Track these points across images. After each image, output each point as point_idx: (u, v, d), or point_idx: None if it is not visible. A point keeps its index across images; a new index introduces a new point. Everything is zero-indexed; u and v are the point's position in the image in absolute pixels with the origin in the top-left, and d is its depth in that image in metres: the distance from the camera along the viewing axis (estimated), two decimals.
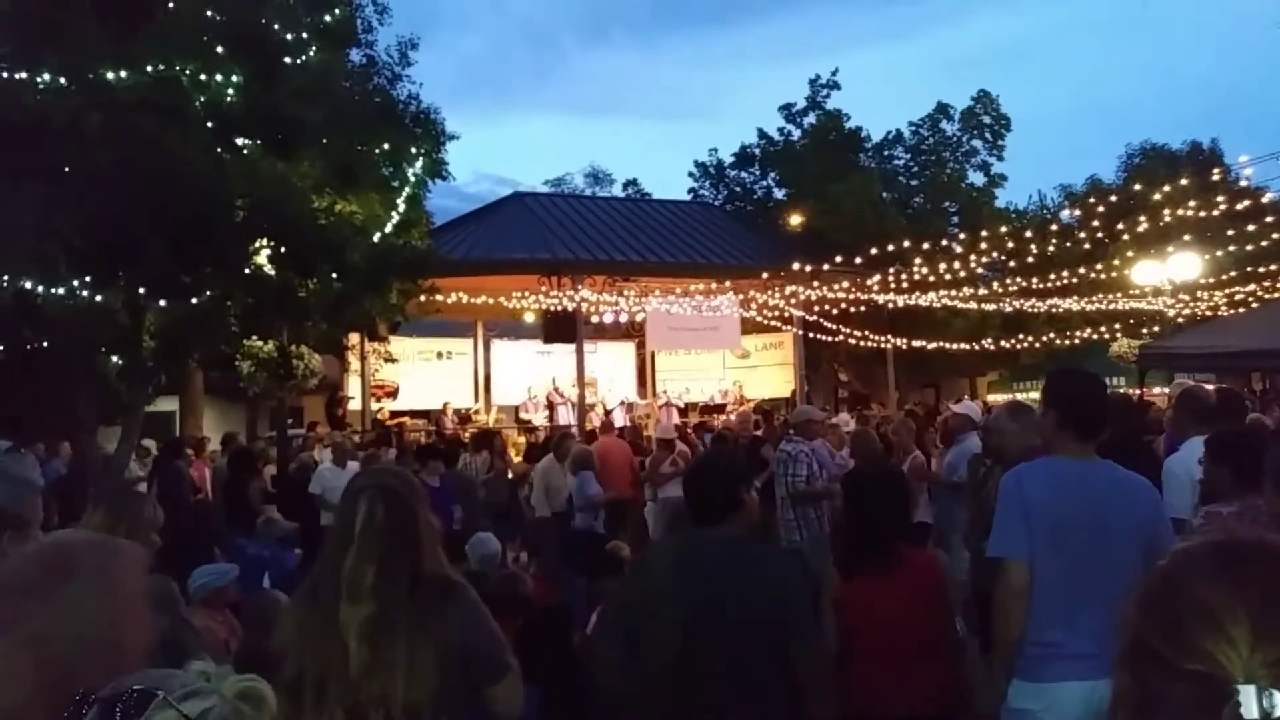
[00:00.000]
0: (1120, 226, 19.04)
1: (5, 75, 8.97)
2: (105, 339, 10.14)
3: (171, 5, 9.61)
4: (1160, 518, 3.21)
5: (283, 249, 10.79)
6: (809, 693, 3.05)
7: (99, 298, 9.61)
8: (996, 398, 24.08)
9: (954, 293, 20.21)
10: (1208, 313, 19.65)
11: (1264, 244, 17.89)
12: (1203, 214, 16.63)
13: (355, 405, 19.30)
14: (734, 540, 3.21)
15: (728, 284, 19.47)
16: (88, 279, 9.42)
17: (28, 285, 9.08)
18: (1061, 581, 3.00)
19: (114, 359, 10.61)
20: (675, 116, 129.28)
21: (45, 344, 10.12)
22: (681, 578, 3.10)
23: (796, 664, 3.04)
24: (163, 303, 10.24)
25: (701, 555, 3.20)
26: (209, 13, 9.86)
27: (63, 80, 8.97)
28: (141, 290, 10.00)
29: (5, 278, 9.09)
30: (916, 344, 22.29)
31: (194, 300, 10.31)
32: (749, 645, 3.00)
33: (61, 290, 9.22)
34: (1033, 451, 3.55)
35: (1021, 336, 23.17)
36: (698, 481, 3.39)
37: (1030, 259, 19.79)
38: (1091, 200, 19.09)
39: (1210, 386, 7.68)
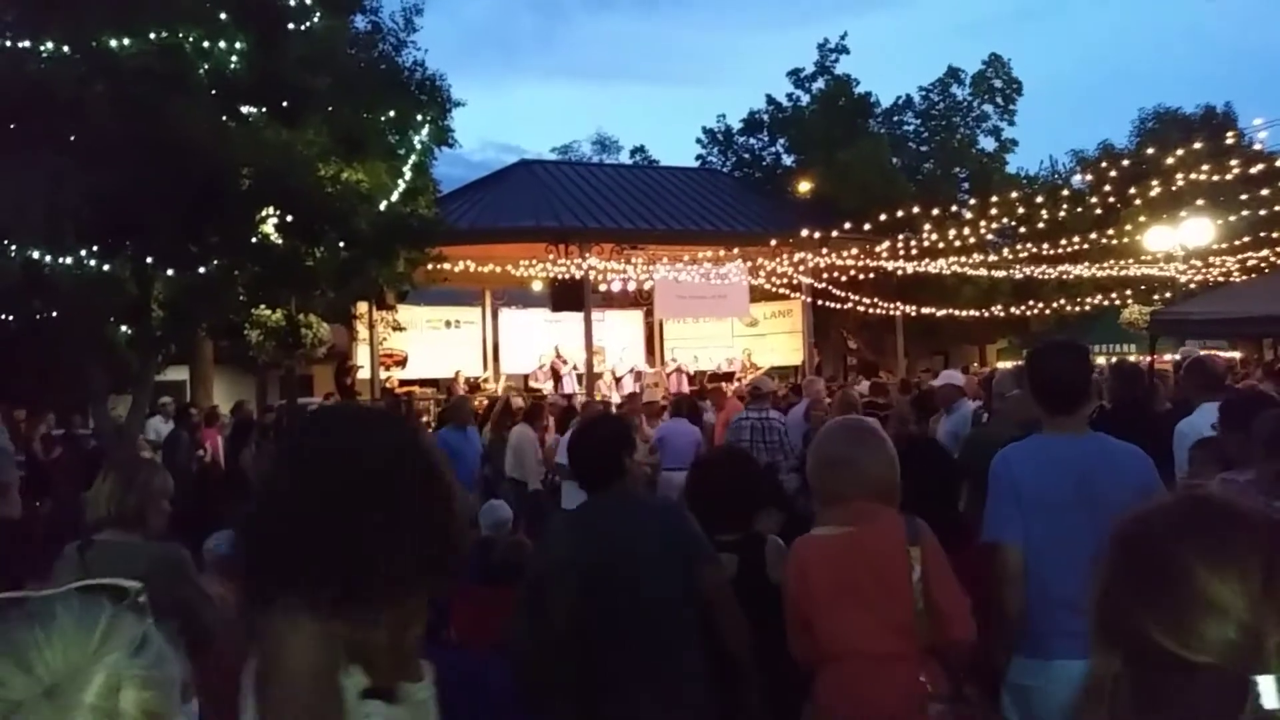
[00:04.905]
0: (1132, 191, 18.89)
1: (9, 44, 8.94)
2: (114, 308, 10.15)
3: None
4: (1155, 485, 3.16)
5: (289, 218, 10.77)
6: (719, 612, 3.09)
7: (107, 267, 9.63)
8: (1005, 365, 24.03)
9: (964, 259, 20.11)
10: (1220, 278, 19.53)
11: (1277, 208, 17.73)
12: (1216, 178, 16.49)
13: (364, 374, 19.34)
14: (617, 501, 3.31)
15: (736, 251, 19.40)
16: (95, 249, 9.44)
17: (35, 255, 9.10)
18: (1055, 559, 2.98)
19: (123, 328, 10.64)
20: (683, 82, 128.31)
21: (54, 314, 10.14)
22: (573, 542, 3.19)
23: (701, 585, 3.09)
24: (170, 272, 10.24)
25: (589, 518, 3.33)
26: None
27: (66, 49, 8.93)
28: (149, 260, 10.01)
29: (13, 248, 9.10)
30: (926, 311, 22.21)
31: (201, 269, 10.32)
32: (646, 601, 3.05)
33: (69, 260, 9.23)
34: (1035, 420, 3.54)
35: (1032, 303, 23.08)
36: (579, 449, 3.48)
37: (1041, 225, 19.67)
38: (1103, 165, 18.93)
39: (1205, 353, 7.64)
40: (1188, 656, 0.91)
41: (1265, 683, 0.88)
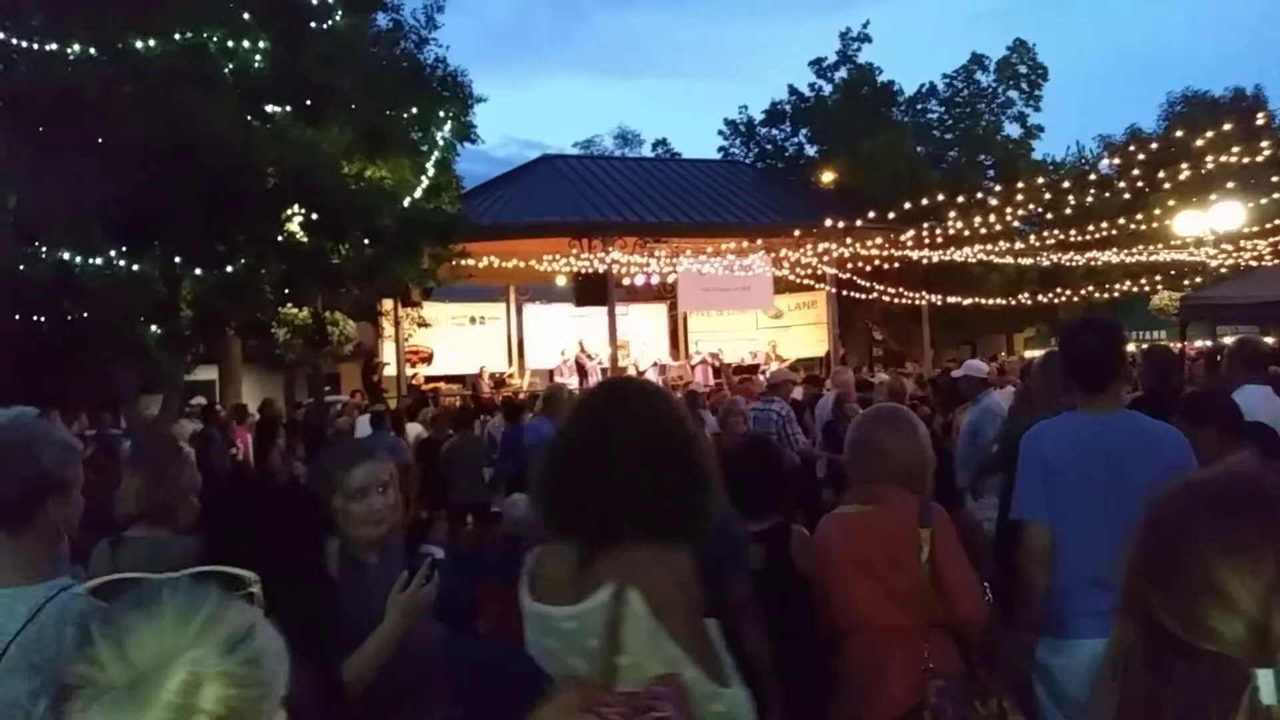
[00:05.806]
0: (1161, 176, 18.64)
1: (36, 47, 9.04)
2: (143, 308, 10.26)
3: None
4: (1189, 465, 3.09)
5: (314, 215, 10.84)
6: (741, 618, 3.05)
7: (135, 268, 9.73)
8: (1034, 354, 23.79)
9: (990, 247, 19.92)
10: (1251, 262, 19.23)
11: None
12: (1246, 161, 16.23)
13: (390, 371, 19.45)
14: None
15: (759, 243, 19.32)
16: (124, 249, 9.54)
17: (66, 257, 9.21)
18: (1083, 538, 2.95)
19: (153, 328, 10.75)
20: (704, 75, 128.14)
21: (84, 315, 10.26)
22: None
23: (726, 593, 3.03)
24: (198, 271, 10.34)
25: None
26: None
27: (92, 51, 9.02)
28: (177, 259, 10.11)
29: (44, 250, 9.22)
30: (952, 300, 22.04)
31: (228, 268, 10.41)
32: None
33: (99, 261, 9.34)
34: (1061, 406, 3.49)
35: (1059, 291, 22.81)
36: None
37: (1068, 211, 19.45)
38: (1131, 149, 18.67)
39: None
40: (1191, 642, 0.90)
41: (1265, 677, 0.86)
